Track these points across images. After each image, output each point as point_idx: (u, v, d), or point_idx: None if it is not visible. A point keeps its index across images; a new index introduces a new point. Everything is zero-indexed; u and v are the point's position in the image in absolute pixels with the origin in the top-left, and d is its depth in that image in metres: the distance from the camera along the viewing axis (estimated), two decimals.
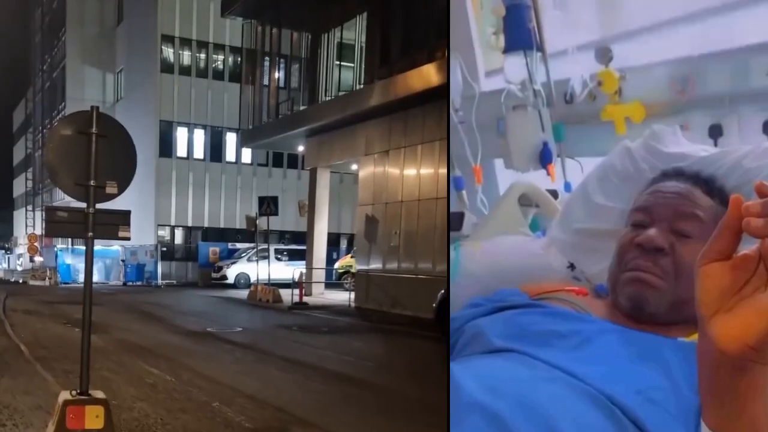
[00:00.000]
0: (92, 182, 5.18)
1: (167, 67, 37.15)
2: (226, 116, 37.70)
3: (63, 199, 45.38)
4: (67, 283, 33.95)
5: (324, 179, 23.46)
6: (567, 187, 4.47)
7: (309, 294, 22.28)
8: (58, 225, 5.36)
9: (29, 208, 53.00)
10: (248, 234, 37.72)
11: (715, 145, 3.77)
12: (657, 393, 1.87)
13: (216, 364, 10.54)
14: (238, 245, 33.63)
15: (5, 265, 49.56)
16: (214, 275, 30.87)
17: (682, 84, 4.13)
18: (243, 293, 25.44)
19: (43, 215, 46.66)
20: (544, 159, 4.54)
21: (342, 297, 22.29)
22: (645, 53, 4.51)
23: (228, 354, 11.74)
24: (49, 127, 48.23)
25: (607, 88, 4.45)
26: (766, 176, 2.44)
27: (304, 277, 21.47)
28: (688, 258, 2.18)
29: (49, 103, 48.88)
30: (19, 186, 64.61)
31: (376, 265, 19.44)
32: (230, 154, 38.49)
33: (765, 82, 3.74)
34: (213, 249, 33.02)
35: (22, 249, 54.70)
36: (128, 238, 5.51)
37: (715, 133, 3.93)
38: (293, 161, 39.19)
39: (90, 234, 5.22)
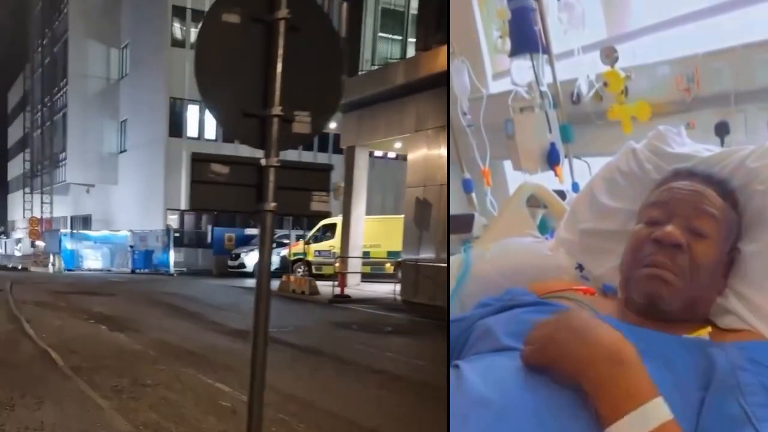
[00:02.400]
0: (275, 110, 3.04)
1: (177, 42, 34.93)
2: None
3: (64, 180, 43.50)
4: (71, 270, 31.88)
5: (362, 159, 21.36)
6: (575, 187, 4.48)
7: (343, 284, 20.22)
8: (210, 190, 3.11)
9: (27, 190, 50.71)
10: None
11: (722, 142, 3.86)
12: (661, 388, 1.88)
13: (290, 377, 8.57)
14: (255, 231, 31.47)
15: (2, 251, 47.31)
16: (230, 263, 28.77)
17: (687, 82, 4.17)
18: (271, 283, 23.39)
19: (43, 199, 44.90)
20: (551, 160, 4.58)
21: (383, 289, 20.29)
22: (650, 53, 4.57)
23: (297, 362, 9.74)
24: (48, 105, 46.03)
25: (613, 89, 4.48)
26: None
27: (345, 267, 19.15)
28: (703, 257, 2.31)
29: (49, 79, 46.45)
30: (14, 168, 62.27)
31: (427, 254, 17.35)
32: None
33: None
34: (228, 235, 30.77)
35: (20, 233, 52.54)
36: (324, 213, 3.37)
37: (722, 130, 3.95)
38: (309, 143, 37.08)
39: (271, 205, 3.09)
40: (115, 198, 41.30)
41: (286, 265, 24.77)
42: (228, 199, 3.13)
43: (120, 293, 20.53)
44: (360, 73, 20.82)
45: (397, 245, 23.55)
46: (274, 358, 9.58)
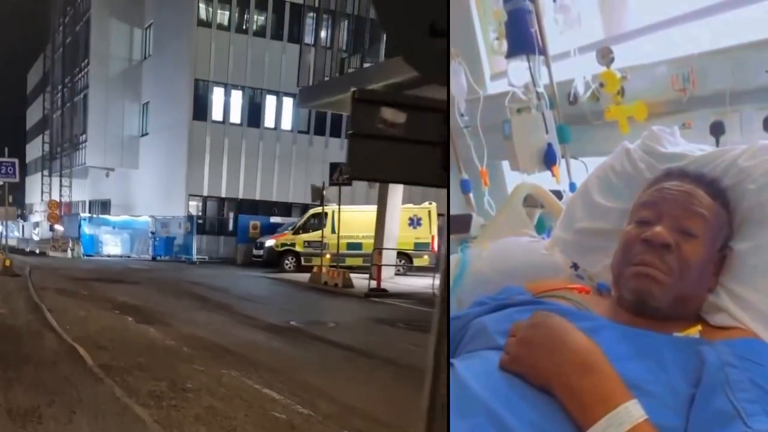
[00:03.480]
0: None
1: (203, 22, 33.96)
2: (266, 77, 34.58)
3: (83, 163, 42.71)
4: (91, 256, 31.09)
5: None
6: (572, 187, 4.44)
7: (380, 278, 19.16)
8: (379, 149, 1.94)
9: (45, 173, 49.99)
10: (284, 208, 34.85)
11: (717, 142, 3.89)
12: (653, 386, 1.98)
13: (345, 383, 7.62)
14: (280, 219, 30.50)
15: (19, 234, 46.55)
16: (255, 252, 27.53)
17: (683, 82, 4.24)
18: (297, 275, 22.40)
19: (62, 182, 44.15)
20: (548, 160, 4.63)
21: (419, 283, 19.27)
22: (645, 53, 4.64)
23: (348, 364, 8.78)
24: (69, 86, 45.20)
25: (609, 89, 4.54)
26: (763, 173, 2.51)
27: (381, 260, 18.01)
28: (692, 256, 2.33)
29: (70, 60, 45.62)
30: (33, 150, 61.59)
31: None
32: (269, 120, 35.34)
33: (766, 79, 3.79)
34: (253, 223, 29.61)
35: (38, 217, 51.87)
36: None
37: (717, 130, 3.99)
38: (336, 129, 36.15)
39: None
40: (136, 182, 40.46)
41: (273, 257, 24.18)
42: (405, 163, 2.05)
43: (143, 281, 19.66)
44: None
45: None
46: (322, 359, 8.62)
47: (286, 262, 24.54)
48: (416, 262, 24.51)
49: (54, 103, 49.96)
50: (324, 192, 20.27)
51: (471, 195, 4.97)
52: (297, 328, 11.44)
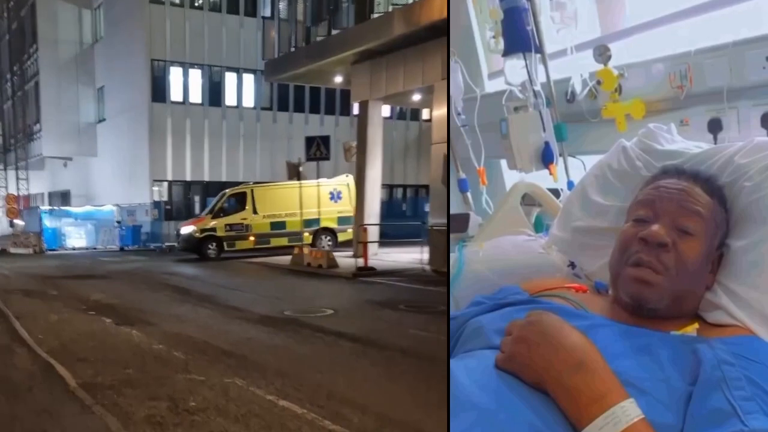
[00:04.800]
0: None
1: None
2: (225, 54, 33.18)
3: (40, 154, 40.90)
4: (54, 250, 29.61)
5: (376, 115, 19.30)
6: (570, 185, 4.42)
7: (359, 255, 18.22)
8: None
9: (0, 167, 47.98)
10: None
11: (715, 139, 3.93)
12: (649, 384, 1.99)
13: (365, 383, 6.76)
14: None
15: None
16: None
17: (680, 79, 4.24)
18: (274, 259, 21.29)
19: (18, 175, 42.24)
20: (546, 159, 4.58)
21: (405, 258, 18.41)
22: (642, 50, 4.63)
23: (362, 360, 7.89)
24: (18, 74, 43.19)
25: (606, 87, 4.58)
26: (759, 171, 2.50)
27: (368, 236, 16.93)
28: (689, 255, 2.34)
29: (17, 46, 43.48)
30: None
31: None
32: (230, 98, 33.99)
33: (762, 76, 3.77)
34: None
35: None
36: None
37: (715, 127, 4.00)
38: (299, 103, 34.98)
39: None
40: (96, 171, 38.81)
41: (193, 244, 22.76)
42: None
43: (115, 275, 18.51)
44: (373, 16, 18.62)
45: (314, 213, 22.00)
46: (331, 355, 7.78)
47: (209, 248, 22.87)
48: (341, 237, 23.47)
49: (4, 93, 47.78)
50: (300, 168, 19.17)
51: (469, 194, 4.93)
52: (293, 319, 10.47)
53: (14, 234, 32.72)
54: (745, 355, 2.08)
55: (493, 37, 4.90)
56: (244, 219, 22.64)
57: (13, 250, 31.37)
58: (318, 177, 18.71)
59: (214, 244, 22.82)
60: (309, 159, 18.29)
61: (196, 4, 33.22)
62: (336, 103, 35.73)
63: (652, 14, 4.76)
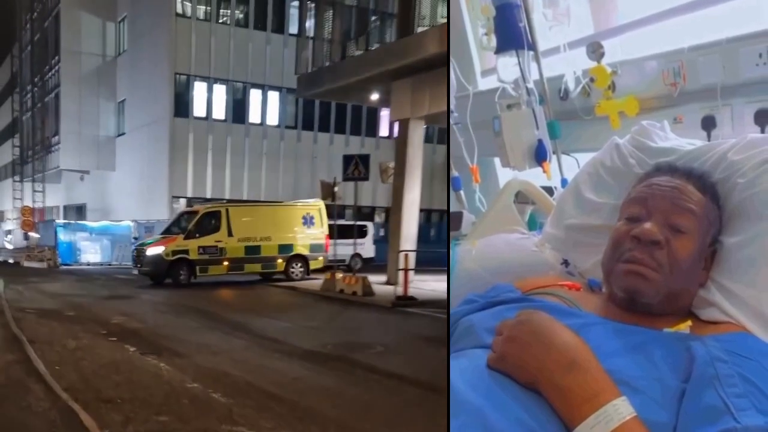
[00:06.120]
0: None
1: (181, 12, 31.56)
2: (250, 70, 32.34)
3: (57, 166, 40.07)
4: (69, 265, 28.66)
5: (417, 135, 18.20)
6: (563, 183, 4.42)
7: (395, 282, 17.07)
8: None
9: (16, 178, 47.18)
10: None
11: (709, 136, 3.89)
12: (642, 382, 1.97)
13: None
14: None
15: None
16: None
17: (673, 77, 4.21)
18: (303, 283, 20.05)
19: (34, 187, 41.47)
20: (539, 156, 4.56)
21: (440, 286, 17.27)
22: (636, 48, 4.62)
23: (433, 411, 6.67)
24: (39, 85, 42.50)
25: (600, 84, 4.51)
26: (752, 167, 2.51)
27: (409, 263, 15.59)
28: (682, 252, 2.33)
29: (39, 58, 42.81)
30: (2, 156, 58.59)
31: None
32: (254, 115, 33.10)
33: (755, 73, 3.76)
34: None
35: (10, 225, 49.10)
36: None
37: (708, 124, 3.97)
38: (325, 124, 34.11)
39: None
40: (113, 185, 37.97)
41: (162, 269, 19.95)
42: None
43: (134, 295, 17.49)
44: (417, 31, 17.62)
45: (289, 238, 20.87)
46: (396, 403, 6.68)
47: (181, 273, 20.10)
48: (312, 265, 21.83)
49: (23, 105, 47.12)
50: (336, 189, 18.04)
51: (462, 192, 4.92)
52: (340, 355, 9.32)
53: (29, 247, 31.86)
54: (738, 352, 2.05)
55: (485, 34, 4.81)
56: (219, 241, 20.46)
57: (26, 263, 30.52)
58: (356, 199, 17.56)
59: (186, 269, 20.26)
60: (346, 179, 17.20)
61: (222, 20, 32.44)
62: (362, 123, 34.80)
63: (645, 11, 4.71)
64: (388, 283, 17.85)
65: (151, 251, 20.27)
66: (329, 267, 19.21)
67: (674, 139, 2.95)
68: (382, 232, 30.84)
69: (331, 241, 21.11)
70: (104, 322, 12.22)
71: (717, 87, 3.93)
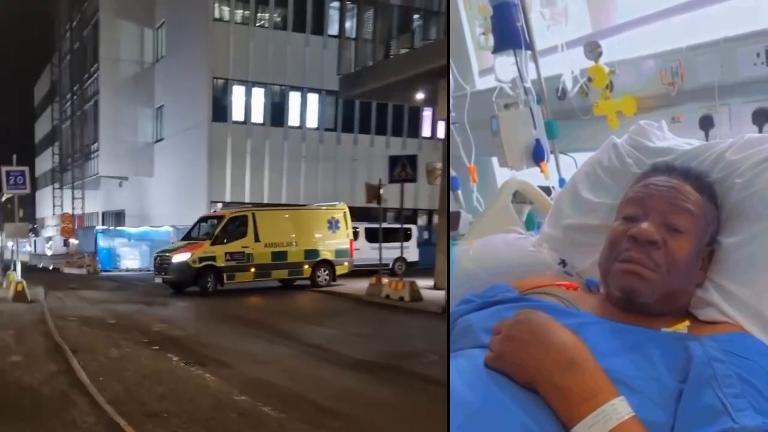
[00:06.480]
0: None
1: (219, 17, 31.40)
2: (289, 72, 32.02)
3: (96, 173, 40.28)
4: (108, 271, 28.60)
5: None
6: (561, 183, 4.36)
7: (443, 287, 16.61)
8: None
9: (56, 185, 47.54)
10: None
11: (707, 136, 3.85)
12: (640, 382, 1.95)
13: None
14: None
15: (31, 249, 44.10)
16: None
17: (671, 76, 4.19)
18: (346, 288, 19.60)
19: (74, 194, 41.76)
20: (537, 156, 4.54)
21: None
22: (633, 47, 4.60)
23: None
24: (78, 94, 42.74)
25: (597, 84, 4.50)
26: (750, 167, 2.48)
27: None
28: (679, 252, 2.30)
29: (78, 66, 43.01)
30: (42, 164, 59.17)
31: None
32: (293, 118, 32.78)
33: (754, 72, 3.75)
34: None
35: (50, 231, 49.48)
36: None
37: (706, 124, 3.94)
38: (365, 125, 33.66)
39: None
40: (151, 191, 37.94)
41: (188, 276, 19.02)
42: None
43: (174, 301, 17.23)
44: None
45: (314, 242, 20.25)
46: None
47: (208, 281, 19.19)
48: (338, 270, 21.16)
49: (63, 113, 47.43)
50: (381, 191, 17.55)
51: (459, 192, 4.91)
52: (394, 366, 8.85)
53: (68, 253, 31.90)
54: (736, 352, 2.04)
55: (483, 33, 4.81)
56: (246, 247, 19.69)
57: (66, 269, 30.55)
58: (402, 201, 17.03)
59: (213, 277, 19.44)
60: (392, 180, 16.72)
61: (260, 23, 32.24)
62: (404, 123, 34.31)
63: (643, 11, 4.69)
64: (435, 287, 17.32)
65: (177, 258, 19.33)
66: (375, 271, 18.63)
67: (672, 138, 2.93)
68: (426, 235, 30.37)
69: (376, 245, 20.49)
70: (145, 330, 11.93)
71: (715, 86, 3.92)
